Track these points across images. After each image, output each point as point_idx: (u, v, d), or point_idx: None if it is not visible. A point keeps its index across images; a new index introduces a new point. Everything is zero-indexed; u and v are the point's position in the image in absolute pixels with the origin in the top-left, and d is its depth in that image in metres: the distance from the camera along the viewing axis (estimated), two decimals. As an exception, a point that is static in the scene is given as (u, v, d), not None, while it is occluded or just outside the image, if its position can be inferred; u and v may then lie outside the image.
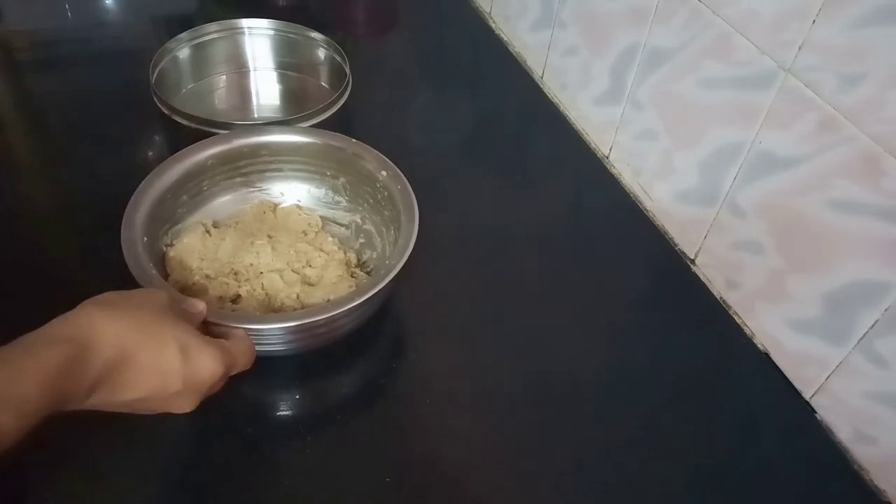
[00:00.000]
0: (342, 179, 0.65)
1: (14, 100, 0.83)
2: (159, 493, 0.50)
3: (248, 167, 0.64)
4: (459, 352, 0.60)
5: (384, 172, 0.61)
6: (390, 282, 0.52)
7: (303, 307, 0.57)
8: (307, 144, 0.64)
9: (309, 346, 0.55)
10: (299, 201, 0.66)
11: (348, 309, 0.50)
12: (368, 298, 0.51)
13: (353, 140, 0.63)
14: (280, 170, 0.65)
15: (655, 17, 0.69)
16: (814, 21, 0.52)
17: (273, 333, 0.51)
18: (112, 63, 0.86)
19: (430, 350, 0.60)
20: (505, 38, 0.99)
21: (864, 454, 0.56)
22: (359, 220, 0.65)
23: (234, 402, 0.55)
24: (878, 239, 0.51)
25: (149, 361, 0.40)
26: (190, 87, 0.81)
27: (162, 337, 0.41)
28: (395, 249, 0.55)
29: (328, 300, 0.56)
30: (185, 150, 0.61)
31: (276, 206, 0.65)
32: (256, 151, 0.64)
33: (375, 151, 0.62)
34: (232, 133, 0.64)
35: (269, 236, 0.62)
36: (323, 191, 0.66)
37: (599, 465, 0.54)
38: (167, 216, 0.59)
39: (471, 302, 0.65)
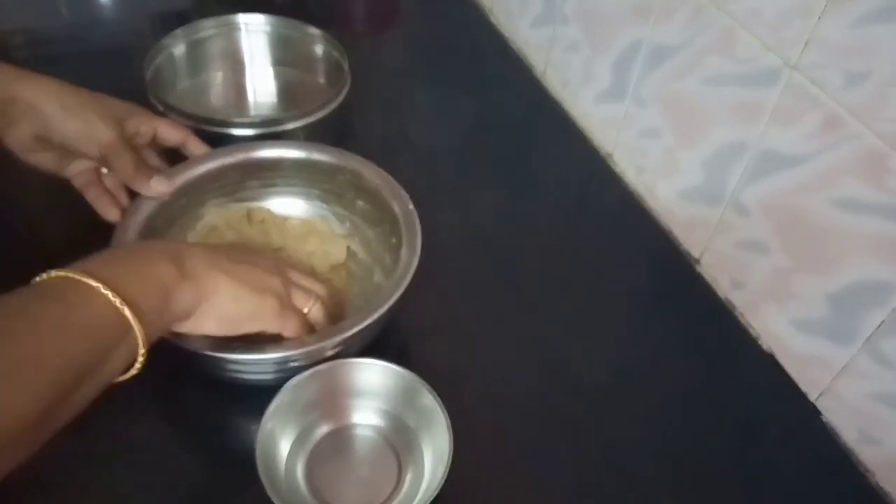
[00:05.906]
0: (341, 195, 0.64)
1: (9, 98, 0.82)
2: (159, 493, 0.49)
3: (242, 182, 0.63)
4: (462, 353, 0.60)
5: (386, 190, 0.59)
6: (383, 314, 0.51)
7: None
8: (303, 160, 0.63)
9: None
10: (295, 216, 0.65)
11: (342, 339, 0.50)
12: (354, 333, 0.50)
13: (355, 156, 0.62)
14: (274, 185, 0.64)
15: (658, 13, 0.68)
16: (819, 17, 0.52)
17: (262, 363, 0.50)
18: (107, 60, 0.85)
19: (432, 351, 0.59)
20: (506, 35, 0.98)
21: (869, 456, 0.55)
22: (357, 236, 0.64)
23: (233, 403, 0.54)
24: (884, 238, 0.50)
25: None
26: (185, 84, 0.80)
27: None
28: (391, 280, 0.53)
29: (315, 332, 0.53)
30: (178, 166, 0.60)
31: (272, 219, 0.64)
32: (250, 166, 0.62)
33: (376, 167, 0.61)
34: (227, 149, 0.62)
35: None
36: (320, 206, 0.65)
37: (602, 465, 0.54)
38: (160, 236, 0.58)
39: (473, 302, 0.64)
